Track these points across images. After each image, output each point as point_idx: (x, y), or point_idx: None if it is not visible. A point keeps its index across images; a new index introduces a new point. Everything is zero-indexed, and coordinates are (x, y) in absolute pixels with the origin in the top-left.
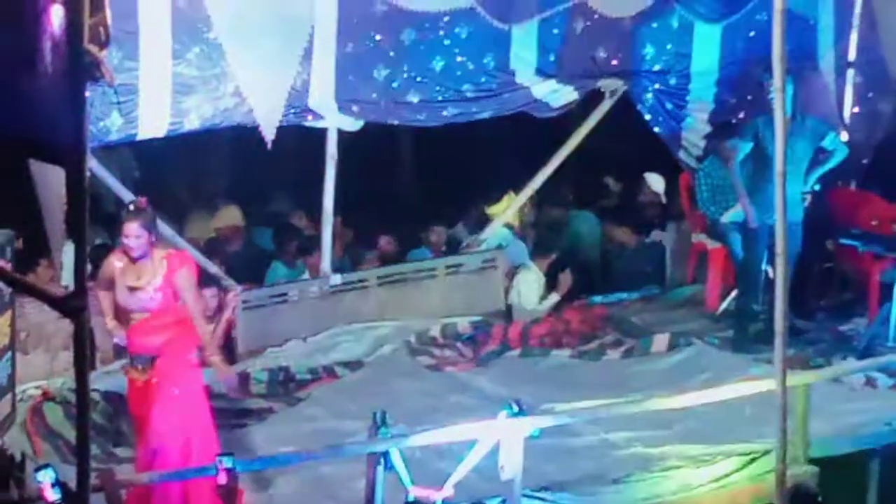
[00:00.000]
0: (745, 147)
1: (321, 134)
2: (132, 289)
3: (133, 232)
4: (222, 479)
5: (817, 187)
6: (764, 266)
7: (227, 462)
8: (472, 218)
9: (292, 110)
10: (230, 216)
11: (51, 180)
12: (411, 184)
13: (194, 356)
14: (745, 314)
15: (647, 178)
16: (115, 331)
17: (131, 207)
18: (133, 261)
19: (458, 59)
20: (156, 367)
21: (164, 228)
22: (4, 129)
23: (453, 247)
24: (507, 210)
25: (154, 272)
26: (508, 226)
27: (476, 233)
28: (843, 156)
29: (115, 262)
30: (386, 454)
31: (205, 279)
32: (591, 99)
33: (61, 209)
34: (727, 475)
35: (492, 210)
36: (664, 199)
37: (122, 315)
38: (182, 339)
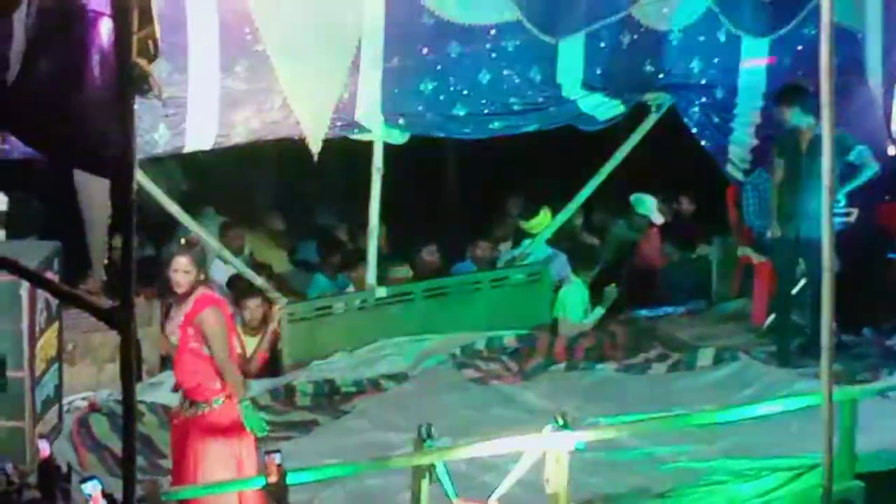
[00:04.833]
0: (780, 165)
1: (368, 147)
2: (170, 320)
3: (182, 266)
4: (273, 476)
5: (842, 201)
6: (798, 279)
7: (277, 458)
8: (511, 231)
9: (339, 123)
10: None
11: (94, 192)
12: (457, 197)
13: (214, 403)
14: (782, 327)
15: (633, 200)
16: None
17: (182, 242)
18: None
19: (505, 72)
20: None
21: (210, 241)
22: (54, 141)
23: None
24: (552, 223)
25: (186, 306)
26: (552, 240)
27: (519, 246)
28: (873, 171)
29: None
30: (431, 467)
31: (251, 290)
32: (637, 112)
33: (103, 221)
34: (773, 490)
35: (529, 224)
36: (657, 220)
37: None
38: (203, 386)
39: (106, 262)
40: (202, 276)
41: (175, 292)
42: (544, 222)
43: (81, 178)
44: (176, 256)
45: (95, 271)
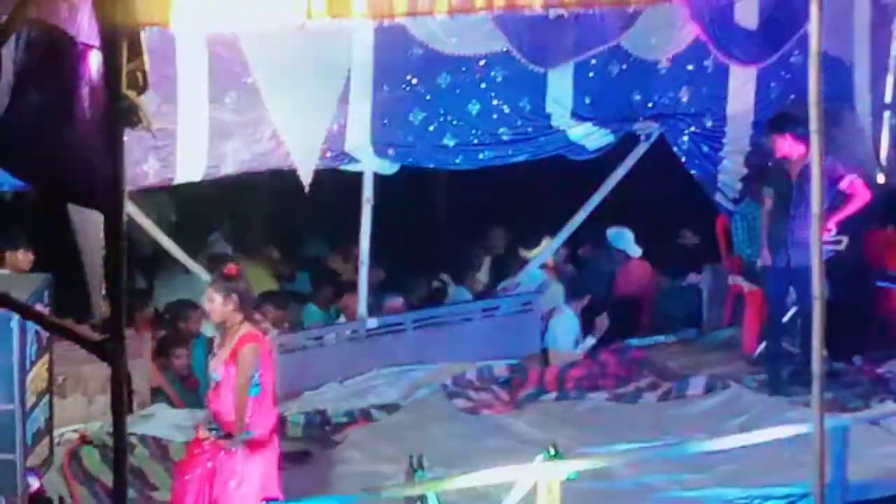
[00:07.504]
0: (770, 194)
1: (357, 177)
2: (213, 356)
3: (207, 297)
4: None
5: (832, 230)
6: (788, 307)
7: None
8: (506, 260)
9: (329, 154)
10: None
11: (89, 225)
12: (447, 226)
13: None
14: (773, 356)
15: (609, 234)
16: None
17: (215, 274)
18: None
19: (494, 102)
20: (217, 442)
21: (202, 273)
22: (44, 174)
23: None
24: (542, 253)
25: (230, 343)
26: (543, 269)
27: (511, 276)
28: (865, 200)
29: None
30: (423, 497)
31: None
32: (626, 142)
33: (99, 254)
34: None
35: (531, 253)
36: (635, 253)
37: None
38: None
39: (104, 293)
40: (243, 312)
41: (222, 327)
42: (543, 250)
43: (76, 210)
44: (207, 287)
45: (94, 303)
